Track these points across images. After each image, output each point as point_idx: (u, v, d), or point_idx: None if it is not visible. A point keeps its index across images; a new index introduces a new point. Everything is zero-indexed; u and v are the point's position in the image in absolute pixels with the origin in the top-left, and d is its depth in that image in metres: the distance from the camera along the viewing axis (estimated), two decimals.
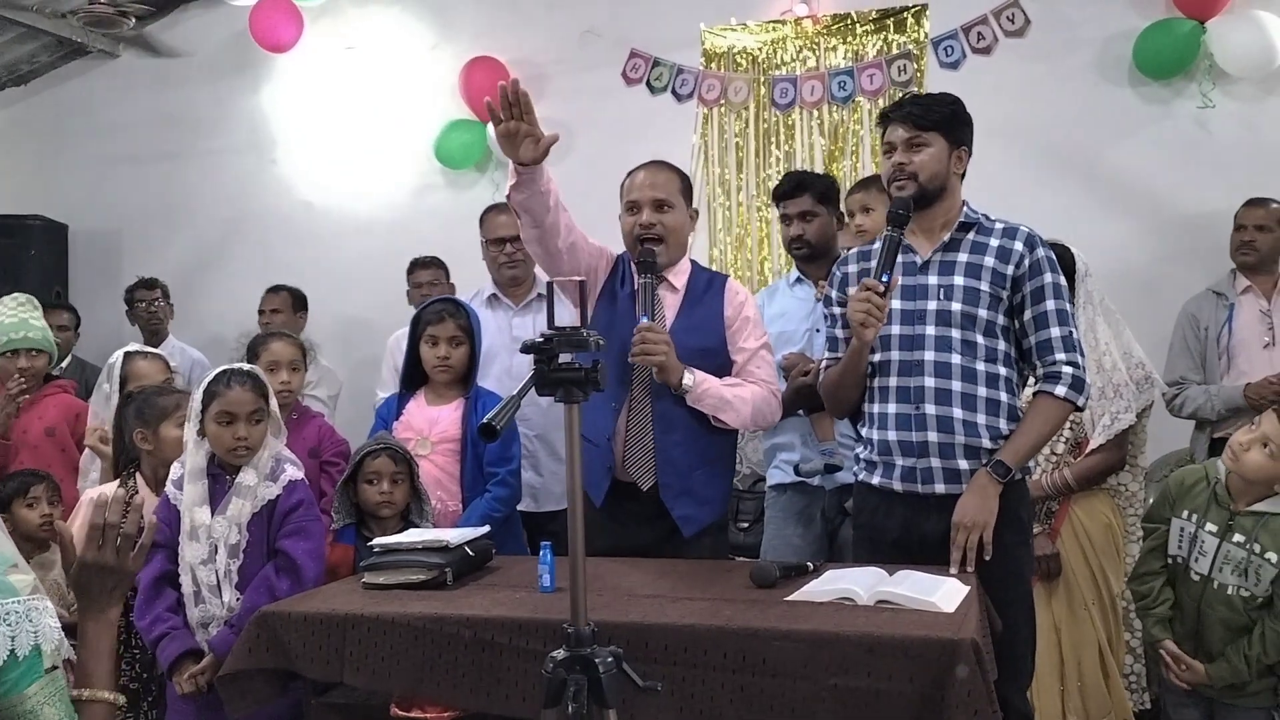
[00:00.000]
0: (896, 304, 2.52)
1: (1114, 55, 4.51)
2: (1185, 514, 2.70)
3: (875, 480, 2.57)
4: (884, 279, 2.44)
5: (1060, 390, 2.46)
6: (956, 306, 2.49)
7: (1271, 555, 2.54)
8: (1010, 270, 2.49)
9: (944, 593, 2.19)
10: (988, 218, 2.59)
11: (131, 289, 5.03)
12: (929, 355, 2.50)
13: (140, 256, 5.58)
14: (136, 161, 5.75)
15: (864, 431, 2.65)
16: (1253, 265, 3.84)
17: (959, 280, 2.50)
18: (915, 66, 4.73)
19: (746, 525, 4.26)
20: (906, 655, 1.95)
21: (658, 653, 2.07)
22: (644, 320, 2.67)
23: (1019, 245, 2.50)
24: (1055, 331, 2.48)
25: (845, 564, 2.76)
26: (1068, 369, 2.47)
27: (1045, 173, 4.46)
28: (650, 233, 2.79)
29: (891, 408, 2.54)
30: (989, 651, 2.14)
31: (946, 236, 2.55)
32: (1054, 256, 2.54)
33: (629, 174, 2.91)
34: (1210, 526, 2.64)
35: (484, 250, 3.89)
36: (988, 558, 2.39)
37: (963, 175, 2.60)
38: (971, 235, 2.55)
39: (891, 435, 2.53)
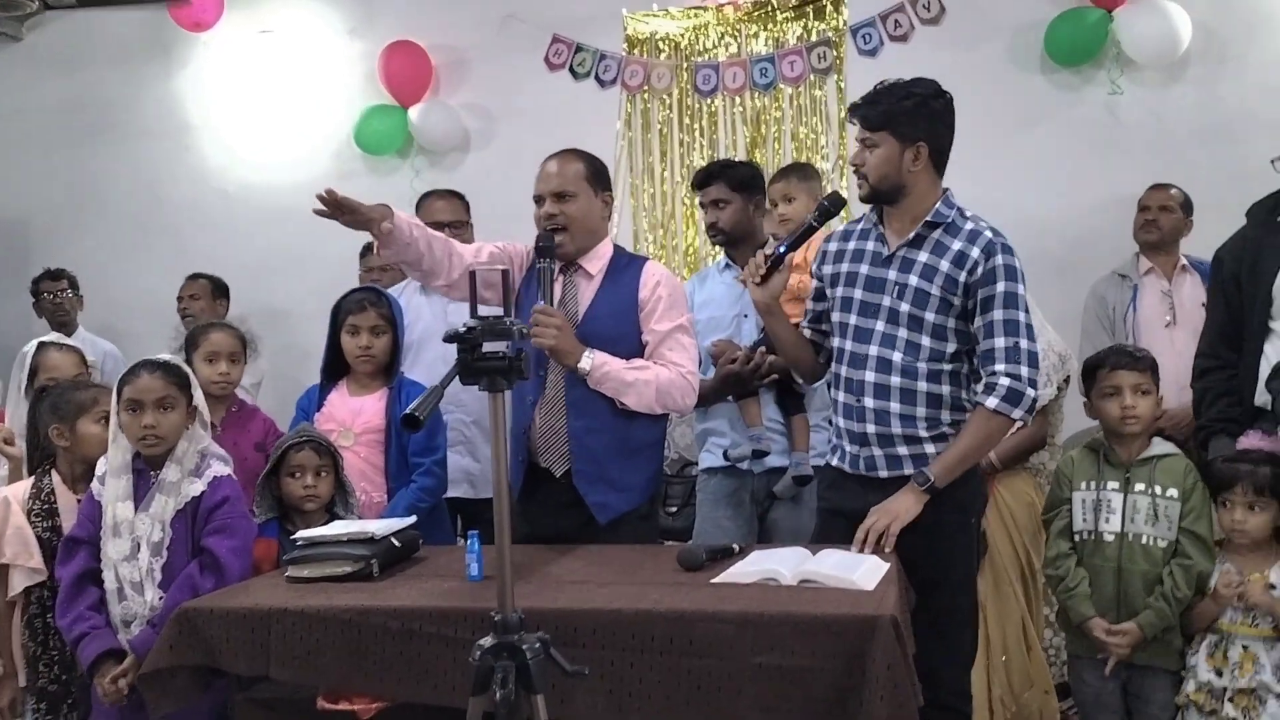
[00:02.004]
0: (857, 294, 2.59)
1: (1026, 43, 4.61)
2: (1083, 485, 2.83)
3: (834, 461, 2.68)
4: (780, 250, 2.59)
5: (991, 402, 2.44)
6: (905, 307, 2.52)
7: (1173, 491, 2.70)
8: (963, 277, 2.47)
9: (864, 571, 2.24)
10: (963, 214, 2.55)
11: (37, 280, 4.87)
12: (873, 350, 2.56)
13: (49, 245, 5.40)
14: (43, 148, 5.55)
15: (829, 413, 2.79)
16: (1155, 244, 3.99)
17: (913, 280, 2.52)
18: (835, 54, 4.79)
19: (675, 509, 4.29)
20: (828, 632, 2.00)
21: (586, 637, 2.09)
22: (539, 304, 2.70)
23: (975, 251, 2.47)
24: (999, 342, 2.45)
25: (770, 545, 2.81)
26: (1004, 380, 2.43)
27: (960, 157, 4.52)
28: (553, 223, 2.79)
29: (841, 396, 2.63)
30: (908, 627, 2.20)
31: (912, 233, 2.55)
32: (1013, 264, 2.47)
33: (541, 165, 2.90)
34: (1111, 484, 2.77)
35: None
36: (887, 549, 2.42)
37: (940, 166, 2.56)
38: (937, 234, 2.52)
39: (841, 422, 2.64)
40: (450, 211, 3.85)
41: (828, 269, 2.68)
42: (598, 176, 2.88)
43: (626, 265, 2.90)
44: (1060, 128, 4.60)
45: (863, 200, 2.64)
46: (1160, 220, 3.97)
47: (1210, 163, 4.28)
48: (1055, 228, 4.48)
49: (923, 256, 2.52)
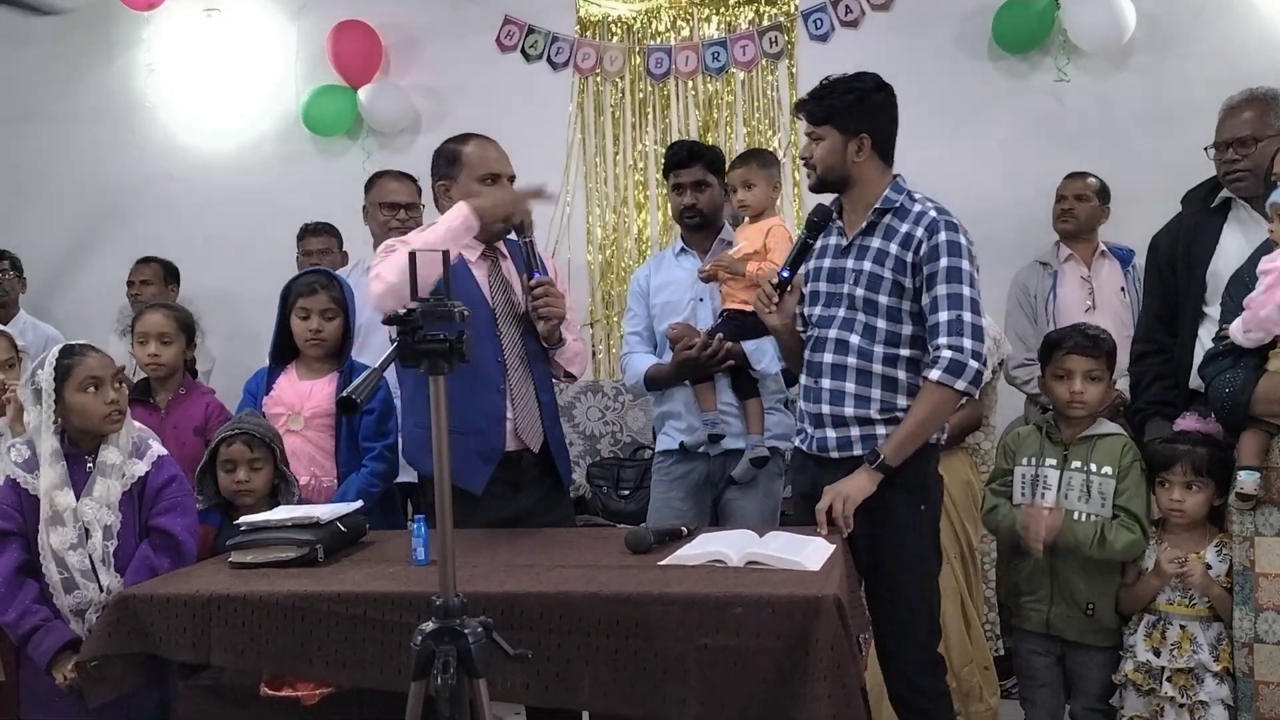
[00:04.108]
0: (822, 286, 2.66)
1: (974, 30, 4.64)
2: (1024, 460, 2.87)
3: (797, 442, 2.74)
4: (784, 275, 2.64)
5: (934, 374, 2.47)
6: (860, 292, 2.57)
7: (1108, 469, 2.75)
8: (910, 257, 2.53)
9: (809, 552, 2.27)
10: (911, 197, 2.60)
11: None
12: (832, 333, 2.62)
13: None
14: None
15: (782, 396, 2.89)
16: (1072, 233, 4.03)
17: (867, 266, 2.57)
18: (786, 39, 4.80)
19: (627, 493, 4.32)
20: (773, 613, 2.02)
21: (532, 620, 2.09)
22: (538, 276, 2.77)
23: (920, 231, 2.53)
24: (941, 316, 2.48)
25: (720, 528, 2.84)
26: (946, 353, 2.46)
27: (909, 143, 4.54)
28: None
29: (803, 379, 2.70)
30: (854, 608, 2.23)
31: (865, 222, 2.61)
32: (957, 240, 2.51)
33: (458, 144, 2.88)
34: (1050, 461, 2.82)
35: (369, 214, 3.84)
36: (845, 531, 2.46)
37: (886, 155, 2.62)
38: (887, 220, 2.58)
39: (801, 404, 2.70)
40: (405, 193, 3.84)
41: (801, 268, 2.73)
42: None
43: (520, 246, 2.92)
44: (1008, 114, 4.64)
45: (811, 190, 2.73)
46: (1076, 209, 4.01)
47: (1153, 149, 4.33)
48: (1002, 213, 4.51)
49: (875, 242, 2.58)
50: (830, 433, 2.60)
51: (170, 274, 4.74)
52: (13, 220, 5.35)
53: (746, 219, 3.28)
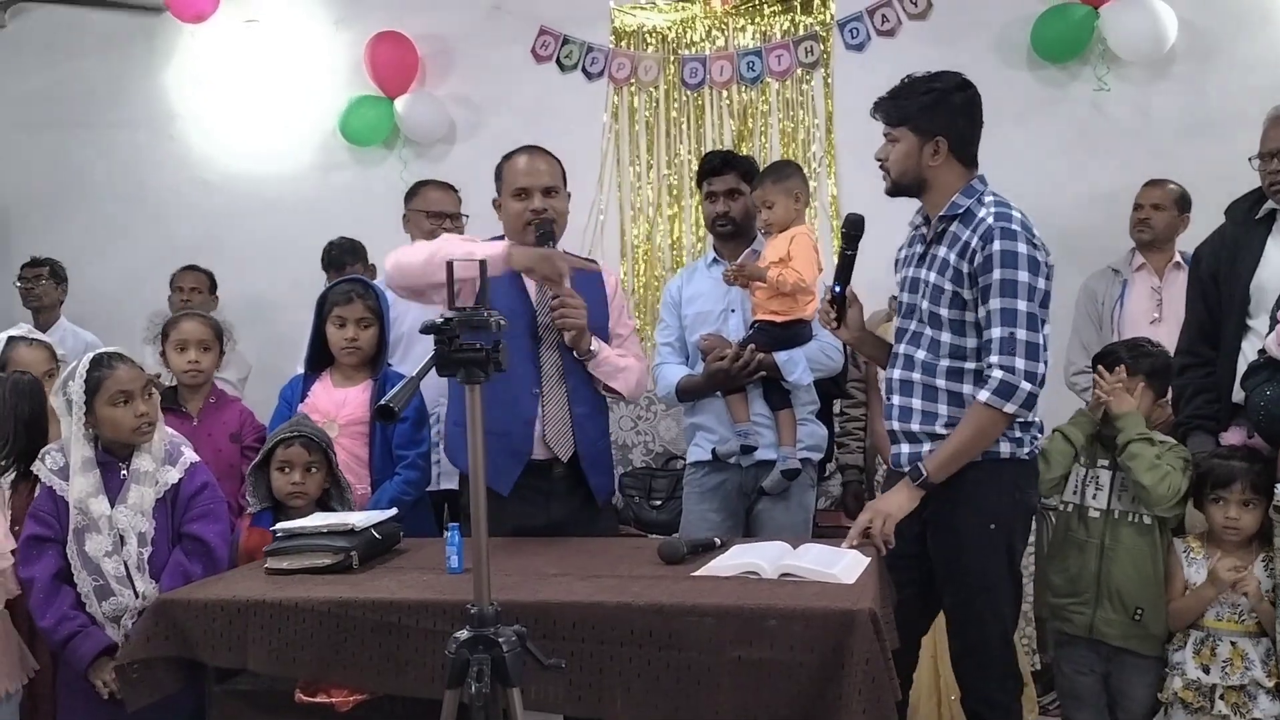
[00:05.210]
0: (904, 297, 2.62)
1: (1012, 39, 4.61)
2: (1079, 460, 2.83)
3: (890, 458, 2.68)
4: (835, 290, 2.62)
5: (983, 395, 2.38)
6: (925, 304, 2.52)
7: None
8: (966, 267, 2.44)
9: (844, 565, 2.25)
10: (981, 201, 2.49)
11: (21, 269, 4.85)
12: (901, 348, 2.58)
13: (30, 234, 5.37)
14: (26, 136, 5.51)
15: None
16: (1148, 242, 3.97)
17: (932, 277, 2.50)
18: (822, 48, 4.79)
19: (659, 503, 4.30)
20: (807, 626, 2.01)
21: (565, 630, 2.09)
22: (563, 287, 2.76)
23: (975, 240, 2.42)
24: (995, 333, 2.39)
25: (753, 539, 2.82)
26: (997, 373, 2.37)
27: None
28: (546, 216, 2.84)
29: (883, 395, 2.68)
30: (888, 621, 2.21)
31: (935, 230, 2.53)
32: (1013, 249, 2.39)
33: (507, 159, 2.93)
34: (1102, 462, 2.79)
35: (412, 222, 3.86)
36: (885, 548, 2.43)
37: (966, 158, 2.51)
38: (953, 227, 2.48)
39: (884, 420, 2.67)
40: (450, 203, 3.88)
41: (897, 276, 2.69)
42: (565, 176, 2.97)
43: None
44: (1046, 124, 4.60)
45: (887, 194, 2.62)
46: (1152, 219, 3.94)
47: (1195, 160, 4.27)
48: (1040, 224, 4.42)
49: (941, 251, 2.50)
50: (905, 448, 2.56)
51: (214, 283, 4.81)
52: (53, 226, 5.43)
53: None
